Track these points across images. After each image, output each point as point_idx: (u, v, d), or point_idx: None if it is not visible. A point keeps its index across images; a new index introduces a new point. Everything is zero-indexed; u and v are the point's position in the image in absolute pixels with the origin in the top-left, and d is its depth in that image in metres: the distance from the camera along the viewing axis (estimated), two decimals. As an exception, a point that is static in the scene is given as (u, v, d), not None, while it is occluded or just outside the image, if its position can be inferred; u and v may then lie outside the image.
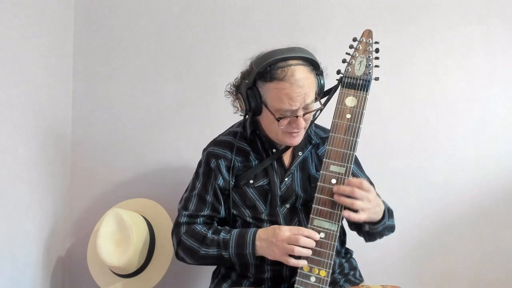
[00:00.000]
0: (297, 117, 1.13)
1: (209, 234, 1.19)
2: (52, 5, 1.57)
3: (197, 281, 1.74)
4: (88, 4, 1.72)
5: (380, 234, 1.24)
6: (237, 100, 1.24)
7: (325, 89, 1.20)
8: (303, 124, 1.15)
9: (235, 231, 1.17)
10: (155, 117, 1.73)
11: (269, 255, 1.11)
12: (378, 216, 1.14)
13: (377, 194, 1.19)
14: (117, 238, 1.44)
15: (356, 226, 1.27)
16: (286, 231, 1.08)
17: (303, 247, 1.05)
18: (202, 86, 1.72)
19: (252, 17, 1.71)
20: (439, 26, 1.70)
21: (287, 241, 1.06)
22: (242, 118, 1.28)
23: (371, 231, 1.20)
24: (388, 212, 1.21)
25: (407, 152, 1.72)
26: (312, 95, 1.13)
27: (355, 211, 1.06)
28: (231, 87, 1.24)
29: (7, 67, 1.33)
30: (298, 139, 1.19)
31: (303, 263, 1.05)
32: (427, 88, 1.71)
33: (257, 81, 1.14)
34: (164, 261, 1.50)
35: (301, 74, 1.11)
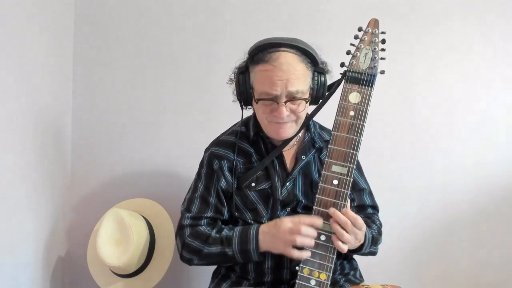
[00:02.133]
0: (278, 103, 1.10)
1: (213, 233, 1.18)
2: (52, 5, 1.57)
3: (197, 281, 1.74)
4: (88, 4, 1.71)
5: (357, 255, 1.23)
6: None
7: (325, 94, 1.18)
8: (284, 113, 1.11)
9: (238, 228, 1.16)
10: (155, 117, 1.73)
11: (273, 248, 1.10)
12: (354, 247, 1.12)
13: (367, 222, 1.19)
14: (117, 238, 1.44)
15: None
16: (287, 222, 1.06)
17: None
18: (201, 86, 1.72)
19: (252, 17, 1.71)
20: (439, 26, 1.70)
21: (289, 232, 1.05)
22: (242, 117, 1.26)
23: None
24: (372, 240, 1.19)
25: (407, 152, 1.72)
26: (298, 85, 1.09)
27: None
28: (233, 75, 1.23)
29: (7, 67, 1.33)
30: (285, 131, 1.15)
31: (306, 254, 1.03)
32: (427, 88, 1.71)
33: (249, 65, 1.14)
34: (164, 261, 1.50)
35: (286, 59, 1.09)
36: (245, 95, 1.16)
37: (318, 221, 1.04)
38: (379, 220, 1.30)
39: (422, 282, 1.73)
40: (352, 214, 1.04)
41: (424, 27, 1.70)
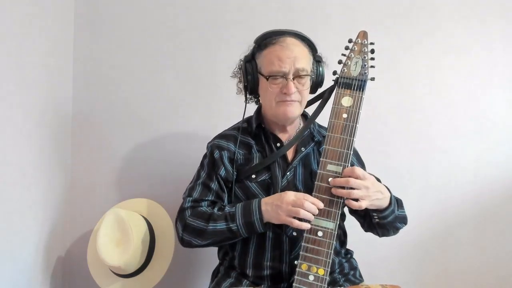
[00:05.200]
0: (287, 79, 1.18)
1: (215, 211, 1.20)
2: (52, 5, 1.57)
3: (197, 281, 1.74)
4: (88, 4, 1.72)
5: (393, 226, 1.23)
6: (240, 83, 1.31)
7: (323, 83, 1.26)
8: (293, 88, 1.18)
9: (239, 203, 1.19)
10: (155, 117, 1.73)
11: (275, 218, 1.12)
12: (383, 203, 1.14)
13: (381, 183, 1.19)
14: (117, 238, 1.44)
15: (368, 224, 1.27)
16: (291, 195, 1.10)
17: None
18: (202, 86, 1.73)
19: (252, 17, 1.71)
20: (440, 27, 1.70)
21: (292, 204, 1.08)
22: (242, 115, 1.31)
23: (381, 221, 1.19)
24: (397, 202, 1.21)
25: (407, 152, 1.72)
26: (303, 63, 1.19)
27: (356, 200, 1.07)
28: (237, 69, 1.31)
29: (7, 67, 1.34)
30: (292, 109, 1.21)
31: (306, 225, 1.06)
32: (427, 88, 1.71)
33: (255, 53, 1.23)
34: (164, 261, 1.50)
35: (292, 41, 1.20)
36: (252, 83, 1.25)
37: (320, 203, 1.06)
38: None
39: (421, 282, 1.73)
40: (347, 168, 1.07)
41: (424, 27, 1.70)
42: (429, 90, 1.71)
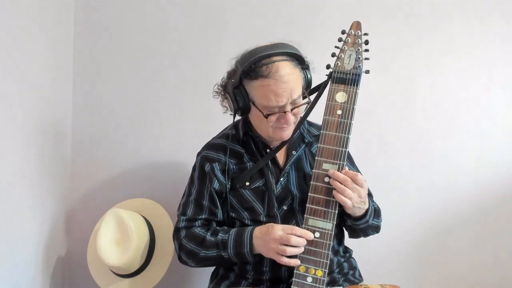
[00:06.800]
0: (285, 112, 1.13)
1: (208, 236, 1.19)
2: (52, 5, 1.57)
3: (197, 281, 1.74)
4: (88, 4, 1.72)
5: (364, 232, 1.25)
6: (225, 100, 1.24)
7: (313, 84, 1.20)
8: (291, 119, 1.15)
9: (233, 231, 1.18)
10: (155, 117, 1.73)
11: (265, 253, 1.12)
12: (359, 212, 1.14)
13: (369, 194, 1.20)
14: (117, 238, 1.44)
15: (341, 222, 1.26)
16: (278, 230, 1.08)
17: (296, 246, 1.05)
18: (202, 86, 1.72)
19: (252, 17, 1.71)
20: (439, 27, 1.70)
21: (279, 241, 1.06)
22: (233, 120, 1.27)
23: (353, 226, 1.20)
24: (374, 212, 1.21)
25: (407, 153, 1.72)
26: (298, 90, 1.13)
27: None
28: (218, 87, 1.24)
29: (7, 67, 1.33)
30: (288, 132, 1.19)
31: (295, 262, 1.05)
32: (426, 88, 1.71)
33: (242, 79, 1.15)
34: (164, 261, 1.50)
35: (285, 69, 1.11)
36: (243, 109, 1.18)
37: (310, 235, 1.05)
38: (376, 204, 1.31)
39: (421, 282, 1.73)
40: (352, 172, 1.06)
41: (424, 27, 1.70)
42: (429, 90, 1.71)
